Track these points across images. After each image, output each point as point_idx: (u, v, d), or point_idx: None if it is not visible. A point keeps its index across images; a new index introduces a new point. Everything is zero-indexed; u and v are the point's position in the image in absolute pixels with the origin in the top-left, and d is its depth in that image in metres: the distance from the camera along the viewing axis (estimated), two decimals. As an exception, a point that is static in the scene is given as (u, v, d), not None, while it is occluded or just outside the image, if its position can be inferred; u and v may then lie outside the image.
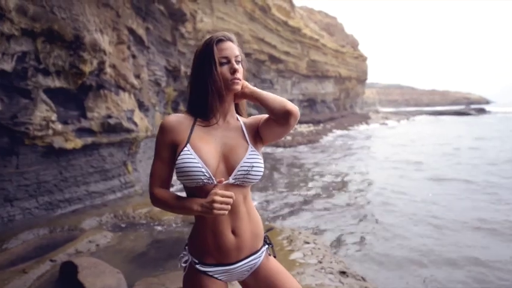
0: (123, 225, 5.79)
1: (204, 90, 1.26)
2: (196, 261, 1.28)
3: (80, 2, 5.71)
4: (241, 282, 1.37)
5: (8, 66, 5.06)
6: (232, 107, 1.33)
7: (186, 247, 1.35)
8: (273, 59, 26.57)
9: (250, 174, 1.23)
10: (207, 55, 1.25)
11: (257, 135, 1.33)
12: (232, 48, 1.27)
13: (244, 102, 1.40)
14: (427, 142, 20.11)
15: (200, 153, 1.20)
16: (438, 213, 6.87)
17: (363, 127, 32.68)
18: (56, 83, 5.91)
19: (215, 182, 1.19)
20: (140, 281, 3.55)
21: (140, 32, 9.49)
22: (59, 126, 6.01)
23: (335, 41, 42.97)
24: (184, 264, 1.29)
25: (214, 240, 1.25)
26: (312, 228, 5.77)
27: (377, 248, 5.05)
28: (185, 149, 1.19)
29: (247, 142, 1.28)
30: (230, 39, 1.28)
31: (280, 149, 17.96)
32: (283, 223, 6.05)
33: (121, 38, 7.70)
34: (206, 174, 1.18)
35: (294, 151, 17.34)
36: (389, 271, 4.27)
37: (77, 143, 6.28)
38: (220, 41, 1.26)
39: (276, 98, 1.27)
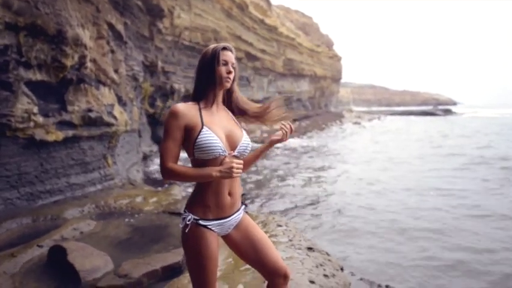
0: (105, 215, 6.00)
1: (208, 82, 1.70)
2: (198, 217, 1.65)
3: (63, -2, 5.85)
4: (225, 237, 1.77)
5: (-10, 58, 5.16)
6: (221, 100, 1.78)
7: (185, 210, 1.71)
8: (250, 56, 26.91)
9: (247, 149, 1.71)
10: (214, 56, 1.69)
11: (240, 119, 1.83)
12: (231, 57, 1.74)
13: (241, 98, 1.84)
14: (394, 139, 21.16)
15: (215, 132, 1.61)
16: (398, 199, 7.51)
17: (335, 129, 33.63)
18: (37, 76, 6.02)
19: (227, 154, 1.62)
20: (127, 262, 3.84)
21: (119, 27, 9.60)
22: (40, 119, 6.13)
23: (311, 40, 43.81)
24: (188, 222, 1.65)
25: (215, 200, 1.66)
26: (284, 214, 6.22)
27: (339, 229, 5.57)
28: (204, 129, 1.59)
29: (239, 127, 1.75)
30: (231, 50, 1.75)
31: (255, 145, 18.43)
32: (259, 210, 6.46)
33: (101, 32, 7.83)
34: (222, 148, 1.60)
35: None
36: (345, 246, 4.77)
37: (58, 135, 6.40)
38: (224, 48, 1.72)
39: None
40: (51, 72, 6.21)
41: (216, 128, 1.63)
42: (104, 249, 4.36)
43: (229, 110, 1.81)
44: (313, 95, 44.11)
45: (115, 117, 7.89)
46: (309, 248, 3.40)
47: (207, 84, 1.69)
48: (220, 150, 1.59)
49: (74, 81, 6.93)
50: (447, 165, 12.26)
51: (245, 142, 1.70)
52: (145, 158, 12.62)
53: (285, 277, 1.75)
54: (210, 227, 1.65)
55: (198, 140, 1.57)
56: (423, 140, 20.41)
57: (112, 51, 9.07)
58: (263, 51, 29.03)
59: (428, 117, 51.99)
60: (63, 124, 6.67)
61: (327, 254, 3.46)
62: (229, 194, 1.68)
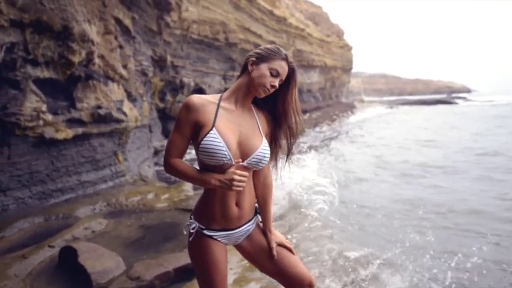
0: (117, 213, 5.93)
1: (243, 75, 1.51)
2: (203, 227, 1.50)
3: (68, -8, 5.72)
4: (237, 246, 1.62)
5: (-3, 57, 5.08)
6: (250, 103, 1.56)
7: (192, 216, 1.57)
8: (259, 48, 26.60)
9: (261, 162, 1.49)
10: (268, 58, 1.47)
11: (267, 131, 1.58)
12: (285, 71, 1.50)
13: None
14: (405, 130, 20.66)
15: (224, 138, 1.41)
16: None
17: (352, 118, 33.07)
18: (45, 73, 5.94)
19: (233, 163, 1.42)
20: (139, 263, 3.74)
21: (127, 21, 9.47)
22: (49, 117, 6.06)
23: (321, 30, 43.12)
24: (192, 230, 1.51)
25: (221, 210, 1.50)
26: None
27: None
28: (212, 132, 1.40)
29: (261, 134, 1.52)
30: (290, 65, 1.51)
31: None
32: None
33: (108, 28, 7.71)
34: (228, 156, 1.41)
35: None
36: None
37: (68, 133, 6.34)
38: (283, 59, 1.49)
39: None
40: (59, 69, 6.12)
41: (228, 132, 1.44)
42: (115, 249, 4.27)
43: (263, 109, 1.59)
44: (324, 86, 43.53)
45: (124, 113, 7.80)
46: (330, 238, 3.23)
47: (243, 78, 1.51)
48: (225, 158, 1.41)
49: (82, 78, 6.84)
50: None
51: (261, 153, 1.48)
52: (156, 153, 12.57)
53: (310, 286, 1.60)
54: (215, 237, 1.52)
55: (202, 142, 1.40)
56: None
57: (120, 47, 8.95)
58: (272, 42, 28.64)
59: (444, 106, 50.57)
60: (72, 122, 6.60)
61: (348, 243, 3.28)
62: (237, 204, 1.52)
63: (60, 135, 6.24)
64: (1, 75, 5.35)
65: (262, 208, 1.65)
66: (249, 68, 1.49)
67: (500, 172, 9.07)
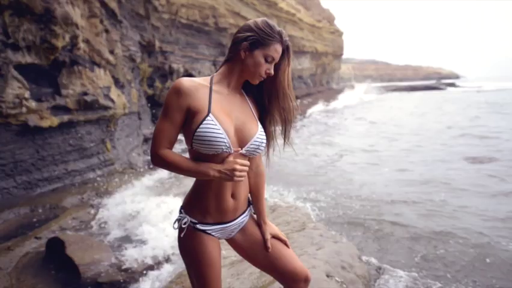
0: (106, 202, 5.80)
1: (235, 61, 1.35)
2: (196, 221, 1.39)
3: (49, -28, 5.43)
4: (229, 240, 1.52)
5: (-26, 40, 4.82)
6: (241, 87, 1.43)
7: (182, 210, 1.45)
8: (250, 34, 26.17)
9: (258, 149, 1.38)
10: (263, 43, 1.32)
11: (258, 115, 1.45)
12: (279, 53, 1.36)
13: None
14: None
15: (221, 123, 1.28)
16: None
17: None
18: (27, 58, 5.68)
19: (232, 151, 1.30)
20: (129, 254, 3.65)
21: (113, 5, 9.12)
22: (33, 104, 5.83)
23: (311, 15, 42.58)
24: (184, 225, 1.39)
25: (216, 203, 1.38)
26: (293, 194, 6.02)
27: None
28: (209, 118, 1.27)
29: (256, 119, 1.40)
30: (288, 48, 1.37)
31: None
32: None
33: (92, 11, 7.40)
34: (227, 144, 1.28)
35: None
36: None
37: (53, 121, 6.12)
38: (279, 41, 1.34)
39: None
40: (42, 54, 5.86)
41: (225, 118, 1.31)
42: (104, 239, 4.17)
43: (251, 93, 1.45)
44: (315, 72, 43.28)
45: (112, 100, 7.58)
46: (322, 236, 3.17)
47: (234, 63, 1.36)
48: (224, 147, 1.28)
49: (67, 63, 6.58)
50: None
51: (258, 139, 1.36)
52: (146, 140, 12.36)
53: (305, 281, 1.51)
54: (209, 231, 1.40)
55: (199, 130, 1.26)
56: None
57: (107, 31, 8.64)
58: (263, 27, 28.21)
59: (432, 92, 50.98)
60: (58, 109, 6.38)
61: (342, 241, 3.23)
62: (233, 196, 1.40)
63: (45, 123, 6.02)
64: (-21, 60, 5.10)
65: (255, 198, 1.55)
66: (242, 54, 1.34)
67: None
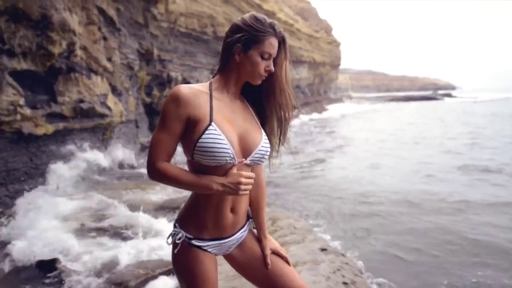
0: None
1: (231, 63, 1.25)
2: (191, 236, 1.29)
3: (47, -21, 5.39)
4: (226, 256, 1.42)
5: (-31, 46, 4.74)
6: (240, 91, 1.33)
7: (176, 224, 1.35)
8: (248, 43, 26.31)
9: (263, 158, 1.28)
10: (256, 41, 1.22)
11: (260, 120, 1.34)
12: (276, 47, 1.25)
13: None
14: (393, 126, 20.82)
15: (225, 133, 1.19)
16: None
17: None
18: (22, 65, 5.61)
19: (236, 162, 1.20)
20: (123, 268, 3.52)
21: (111, 12, 9.10)
22: (27, 111, 5.74)
23: (309, 26, 42.98)
24: (178, 241, 1.29)
25: (214, 217, 1.28)
26: (292, 208, 5.90)
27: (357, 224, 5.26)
28: (211, 127, 1.17)
29: (259, 126, 1.30)
30: (283, 40, 1.27)
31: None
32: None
33: (90, 18, 7.36)
34: (231, 155, 1.18)
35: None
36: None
37: (48, 128, 6.02)
38: (273, 35, 1.23)
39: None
40: (38, 60, 5.79)
41: (228, 127, 1.21)
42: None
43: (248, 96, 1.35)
44: (313, 82, 43.49)
45: (108, 108, 7.50)
46: (323, 249, 3.07)
47: (230, 69, 1.26)
48: (228, 157, 1.18)
49: (63, 70, 6.51)
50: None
51: (263, 148, 1.26)
52: (143, 149, 12.25)
53: None
54: (205, 248, 1.30)
55: (201, 140, 1.16)
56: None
57: (105, 38, 8.61)
58: (261, 37, 28.39)
59: (429, 102, 51.24)
60: (53, 116, 6.29)
61: (343, 255, 3.13)
62: (232, 210, 1.30)
63: (40, 131, 5.92)
64: (-26, 66, 5.02)
65: (255, 211, 1.44)
66: (236, 58, 1.24)
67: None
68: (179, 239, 1.30)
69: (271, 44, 1.24)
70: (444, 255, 4.19)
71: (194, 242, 1.29)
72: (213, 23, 19.73)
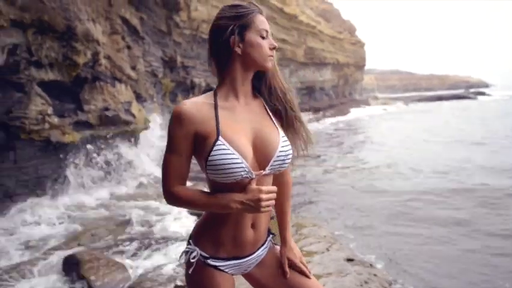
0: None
1: (232, 61, 1.13)
2: (207, 255, 1.18)
3: (71, -9, 5.54)
4: (245, 275, 1.30)
5: (-1, 59, 4.93)
6: (251, 88, 1.20)
7: (191, 241, 1.24)
8: (270, 47, 26.27)
9: (284, 163, 1.15)
10: (247, 21, 1.11)
11: (279, 115, 1.19)
12: (268, 24, 1.16)
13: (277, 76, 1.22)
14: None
15: (236, 146, 1.07)
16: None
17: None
18: (49, 75, 5.78)
19: (253, 176, 1.08)
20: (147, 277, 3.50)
21: (135, 22, 9.30)
22: (55, 120, 5.90)
23: (332, 27, 42.47)
24: (192, 260, 1.19)
25: (233, 235, 1.16)
26: (317, 215, 5.73)
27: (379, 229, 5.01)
28: (219, 142, 1.06)
29: (275, 126, 1.17)
30: (265, 15, 1.18)
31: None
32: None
33: (114, 27, 7.53)
34: (246, 168, 1.07)
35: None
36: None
37: (74, 136, 6.17)
38: (258, 12, 1.14)
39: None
40: (64, 70, 5.95)
41: (239, 137, 1.09)
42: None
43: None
44: (337, 84, 42.85)
45: (133, 115, 7.62)
46: (349, 260, 2.90)
47: (232, 64, 1.13)
48: (243, 172, 1.07)
49: (89, 79, 6.68)
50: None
51: (282, 152, 1.13)
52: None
53: None
54: (221, 268, 1.19)
55: (210, 158, 1.06)
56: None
57: (129, 47, 8.79)
58: (283, 40, 28.25)
59: (461, 102, 48.69)
60: (80, 124, 6.45)
61: (371, 265, 2.95)
62: (253, 226, 1.18)
63: (67, 139, 6.07)
64: (4, 78, 5.21)
65: (278, 214, 1.33)
66: (237, 50, 1.12)
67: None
68: (193, 257, 1.19)
69: (262, 21, 1.15)
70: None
71: (210, 261, 1.17)
72: (235, 28, 19.82)
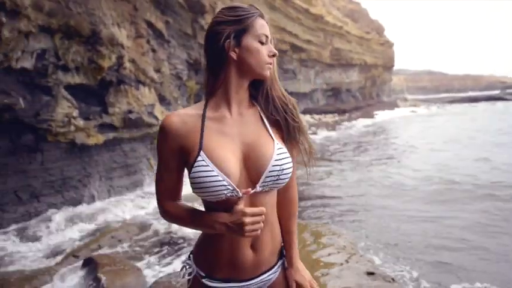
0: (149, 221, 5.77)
1: (226, 68, 1.03)
2: (203, 274, 1.10)
3: (96, -4, 5.66)
4: None
5: (28, 63, 5.10)
6: (247, 97, 1.09)
7: (190, 255, 1.16)
8: (295, 48, 26.04)
9: (280, 179, 1.02)
10: (245, 25, 1.02)
11: (279, 126, 1.08)
12: (268, 29, 1.06)
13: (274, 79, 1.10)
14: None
15: (218, 162, 0.97)
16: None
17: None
18: (76, 79, 5.93)
19: (240, 194, 0.98)
20: (159, 283, 3.46)
21: (160, 25, 9.43)
22: (80, 122, 6.05)
23: (359, 27, 41.65)
24: (189, 277, 1.11)
25: (229, 254, 1.06)
26: (337, 222, 5.53)
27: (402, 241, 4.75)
28: (199, 158, 0.97)
29: (271, 136, 1.05)
30: (266, 19, 1.08)
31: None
32: (309, 216, 5.83)
33: (139, 31, 7.65)
34: (229, 187, 0.97)
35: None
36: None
37: (99, 138, 6.30)
38: (259, 15, 1.04)
39: None
40: (90, 74, 6.09)
41: (223, 152, 0.99)
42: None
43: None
44: (364, 85, 41.96)
45: (156, 117, 7.70)
46: (370, 273, 2.74)
47: (226, 70, 1.04)
48: (225, 191, 0.96)
49: (114, 82, 6.81)
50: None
51: (277, 166, 1.01)
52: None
53: None
54: None
55: (191, 175, 0.97)
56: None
57: (153, 50, 8.92)
58: (309, 41, 27.95)
59: (501, 104, 45.51)
60: (104, 127, 6.58)
61: (393, 279, 2.77)
62: (253, 247, 1.06)
63: (92, 141, 6.21)
64: (33, 82, 5.39)
65: (283, 232, 1.19)
66: (233, 55, 1.02)
67: None
68: (189, 274, 1.11)
69: (262, 25, 1.04)
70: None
71: (205, 281, 1.08)
72: (260, 30, 19.81)
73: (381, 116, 32.23)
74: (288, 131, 1.08)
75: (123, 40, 6.47)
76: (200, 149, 0.98)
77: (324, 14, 30.36)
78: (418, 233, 5.15)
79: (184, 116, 1.04)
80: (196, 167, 0.96)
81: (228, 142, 1.02)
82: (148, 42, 8.29)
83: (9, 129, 5.13)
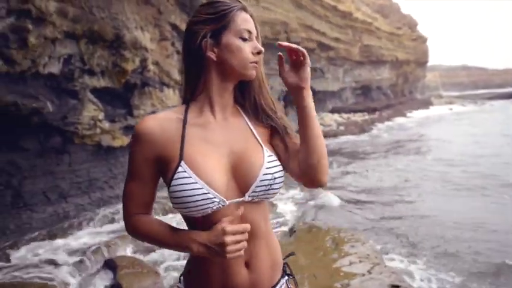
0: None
1: (205, 70, 0.92)
2: None
3: (119, 1, 5.76)
4: None
5: (55, 68, 5.26)
6: (232, 101, 0.98)
7: (181, 278, 1.06)
8: (323, 46, 25.57)
9: (272, 189, 0.92)
10: (224, 21, 0.90)
11: (268, 137, 0.97)
12: (253, 23, 0.94)
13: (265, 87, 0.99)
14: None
15: (201, 172, 0.87)
16: None
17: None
18: (101, 82, 6.07)
19: (227, 203, 0.88)
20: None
21: (185, 27, 9.53)
22: (106, 125, 6.18)
23: (390, 23, 40.34)
24: None
25: (220, 275, 0.94)
26: (361, 229, 5.28)
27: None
28: (180, 168, 0.87)
29: (259, 143, 0.95)
30: (250, 12, 0.96)
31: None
32: (328, 221, 5.61)
33: (163, 34, 7.74)
34: (215, 199, 0.86)
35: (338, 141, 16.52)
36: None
37: (123, 140, 6.42)
38: (241, 8, 0.92)
39: (321, 142, 0.92)
40: (114, 77, 6.21)
41: (207, 161, 0.88)
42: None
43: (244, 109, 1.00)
44: (396, 82, 40.58)
45: (180, 119, 7.77)
46: (395, 286, 2.54)
47: (206, 74, 0.93)
48: (211, 205, 0.86)
49: (138, 85, 6.92)
50: None
51: (268, 174, 0.90)
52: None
53: None
54: None
55: (171, 188, 0.86)
56: None
57: (178, 52, 9.01)
58: (337, 39, 27.37)
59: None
60: (129, 129, 6.69)
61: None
62: (247, 265, 0.94)
63: (117, 143, 6.34)
64: (60, 87, 5.55)
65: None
66: (211, 56, 0.90)
67: None
68: None
69: (244, 19, 0.92)
70: None
71: None
72: (286, 29, 19.61)
73: (416, 115, 30.94)
74: (279, 138, 0.97)
75: (146, 43, 6.55)
76: (181, 158, 0.87)
77: (352, 10, 29.66)
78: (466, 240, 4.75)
79: (163, 120, 0.93)
80: (176, 179, 0.86)
81: (212, 150, 0.91)
82: (172, 44, 8.37)
83: (38, 132, 5.31)
